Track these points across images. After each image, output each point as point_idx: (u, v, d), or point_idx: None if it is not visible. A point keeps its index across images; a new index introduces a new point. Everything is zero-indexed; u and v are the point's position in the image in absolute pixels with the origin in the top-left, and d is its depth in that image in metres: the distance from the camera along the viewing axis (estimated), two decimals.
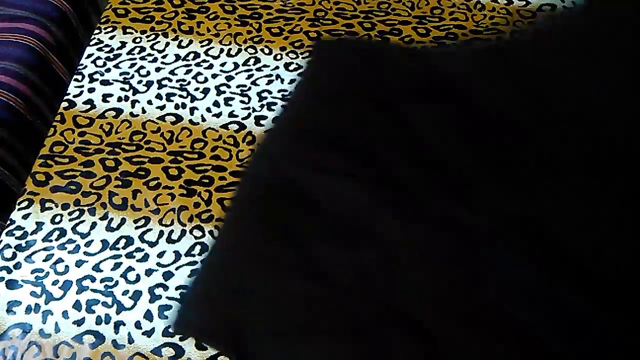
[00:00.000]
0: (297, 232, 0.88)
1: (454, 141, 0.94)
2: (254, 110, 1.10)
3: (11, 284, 0.91)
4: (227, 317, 0.83)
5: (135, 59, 1.17)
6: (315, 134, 0.98)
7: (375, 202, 0.89)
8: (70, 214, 0.98)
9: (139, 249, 0.94)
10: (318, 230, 0.88)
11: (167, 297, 0.90)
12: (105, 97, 1.12)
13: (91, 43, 1.20)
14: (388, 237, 0.86)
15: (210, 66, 1.16)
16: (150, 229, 0.96)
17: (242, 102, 1.11)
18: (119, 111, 1.10)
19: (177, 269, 0.92)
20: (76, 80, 1.15)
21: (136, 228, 0.96)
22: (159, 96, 1.12)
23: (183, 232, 0.96)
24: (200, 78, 1.14)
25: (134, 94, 1.12)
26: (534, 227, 0.85)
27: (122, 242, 0.95)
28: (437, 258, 0.84)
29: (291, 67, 1.15)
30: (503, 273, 0.82)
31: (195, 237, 0.95)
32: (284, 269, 0.86)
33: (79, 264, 0.93)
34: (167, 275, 0.92)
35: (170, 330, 0.86)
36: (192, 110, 1.10)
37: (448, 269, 0.83)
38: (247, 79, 1.14)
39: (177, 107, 1.11)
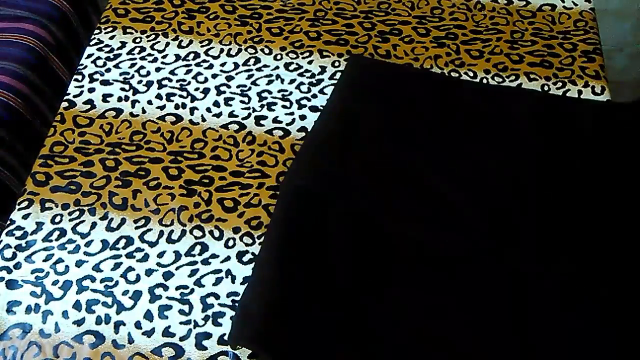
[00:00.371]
0: (362, 258, 0.89)
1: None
2: (254, 110, 1.10)
3: (11, 284, 0.91)
4: (282, 331, 0.83)
5: (135, 59, 1.17)
6: (383, 167, 0.99)
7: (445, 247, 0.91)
8: (70, 214, 0.98)
9: (139, 249, 0.94)
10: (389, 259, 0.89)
11: (167, 297, 0.90)
12: (105, 97, 1.12)
13: (91, 43, 1.20)
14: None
15: (211, 66, 1.16)
16: (150, 229, 0.96)
17: (242, 102, 1.11)
18: (119, 111, 1.10)
19: (177, 269, 0.92)
20: (76, 80, 1.15)
21: (136, 228, 0.96)
22: (159, 96, 1.12)
23: (183, 232, 0.96)
24: (200, 78, 1.14)
25: (134, 94, 1.12)
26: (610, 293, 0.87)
27: (122, 242, 0.95)
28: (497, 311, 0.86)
29: (291, 67, 1.15)
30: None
31: (195, 237, 0.95)
32: (345, 292, 0.86)
33: (79, 264, 0.93)
34: (167, 275, 0.92)
35: (226, 339, 0.85)
36: (192, 110, 1.10)
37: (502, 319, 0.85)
38: (247, 79, 1.14)
39: (177, 107, 1.10)
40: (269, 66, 1.16)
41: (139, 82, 1.14)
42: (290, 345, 0.82)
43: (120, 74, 1.15)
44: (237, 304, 0.88)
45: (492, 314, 0.85)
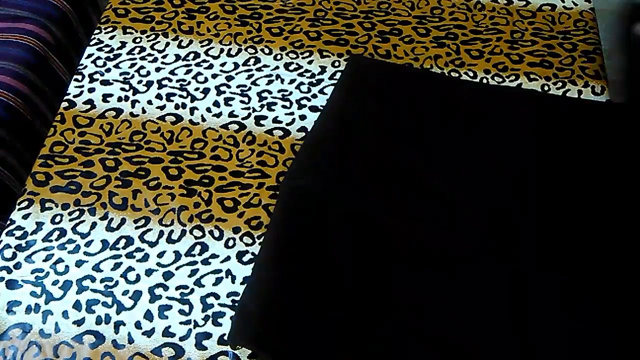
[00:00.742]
0: (364, 259, 0.89)
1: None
2: (254, 110, 1.10)
3: (11, 284, 0.91)
4: (281, 331, 0.83)
5: (135, 59, 1.17)
6: (382, 168, 0.99)
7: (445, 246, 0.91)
8: (70, 214, 0.98)
9: (139, 249, 0.94)
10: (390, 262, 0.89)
11: (167, 297, 0.90)
12: (105, 97, 1.12)
13: (91, 43, 1.20)
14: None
15: (210, 66, 1.16)
16: (150, 229, 0.96)
17: (242, 102, 1.11)
18: (119, 111, 1.10)
19: (177, 269, 0.92)
20: (76, 80, 1.15)
21: (136, 228, 0.96)
22: (159, 96, 1.12)
23: (183, 232, 0.96)
24: (200, 78, 1.14)
25: (134, 94, 1.12)
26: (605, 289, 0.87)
27: (122, 242, 0.95)
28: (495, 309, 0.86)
29: (291, 67, 1.15)
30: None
31: (195, 237, 0.95)
32: (344, 292, 0.86)
33: (79, 264, 0.93)
34: (167, 275, 0.92)
35: (225, 339, 0.85)
36: (192, 110, 1.10)
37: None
38: (247, 79, 1.14)
39: (177, 107, 1.10)
40: (269, 66, 1.16)
41: (139, 82, 1.14)
42: (290, 345, 0.82)
43: (120, 74, 1.15)
44: (237, 304, 0.88)
45: (492, 313, 0.85)
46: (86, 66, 1.16)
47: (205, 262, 0.93)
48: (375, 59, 1.16)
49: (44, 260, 0.93)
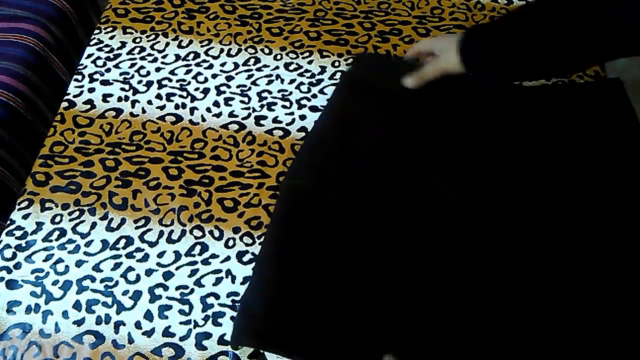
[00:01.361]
0: (364, 259, 0.89)
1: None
2: (254, 110, 1.10)
3: (11, 284, 0.91)
4: (285, 328, 0.83)
5: (135, 59, 1.17)
6: (381, 165, 0.99)
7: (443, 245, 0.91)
8: (70, 214, 0.98)
9: (139, 249, 0.94)
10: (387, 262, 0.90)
11: (167, 297, 0.90)
12: (105, 97, 1.12)
13: (91, 43, 1.20)
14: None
15: (210, 66, 1.16)
16: (150, 229, 0.96)
17: (242, 102, 1.11)
18: (119, 111, 1.10)
19: (177, 269, 0.92)
20: (76, 80, 1.15)
21: (136, 228, 0.96)
22: (159, 96, 1.12)
23: (183, 232, 0.96)
24: (200, 78, 1.14)
25: (134, 94, 1.12)
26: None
27: (122, 242, 0.95)
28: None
29: (291, 67, 1.15)
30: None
31: (195, 237, 0.95)
32: (345, 292, 0.86)
33: (79, 264, 0.93)
34: (167, 275, 0.92)
35: (227, 338, 0.85)
36: (192, 110, 1.10)
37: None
38: (247, 79, 1.14)
39: (177, 107, 1.11)
40: (269, 66, 1.16)
41: (139, 82, 1.14)
42: (294, 342, 0.82)
43: (120, 74, 1.15)
44: (237, 304, 0.88)
45: (493, 314, 0.85)
46: (86, 66, 1.17)
47: (205, 262, 0.93)
48: (379, 54, 1.15)
49: (44, 260, 0.93)
